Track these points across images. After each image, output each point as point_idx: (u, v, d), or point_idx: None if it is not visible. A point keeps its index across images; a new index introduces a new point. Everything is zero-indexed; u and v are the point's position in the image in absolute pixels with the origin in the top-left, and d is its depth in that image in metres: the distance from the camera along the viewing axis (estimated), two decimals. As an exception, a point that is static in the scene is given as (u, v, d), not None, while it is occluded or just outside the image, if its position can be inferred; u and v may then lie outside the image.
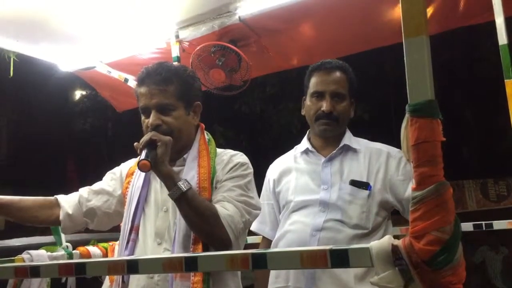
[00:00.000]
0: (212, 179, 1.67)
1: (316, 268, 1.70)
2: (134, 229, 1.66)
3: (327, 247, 0.81)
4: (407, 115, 0.81)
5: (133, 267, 0.95)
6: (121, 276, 1.61)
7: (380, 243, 0.78)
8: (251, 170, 1.76)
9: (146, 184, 1.73)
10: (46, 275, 1.10)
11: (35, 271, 1.07)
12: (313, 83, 2.11)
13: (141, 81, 1.70)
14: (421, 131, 0.78)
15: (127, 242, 1.64)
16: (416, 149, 0.79)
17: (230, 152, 1.81)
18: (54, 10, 2.42)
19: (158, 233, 1.63)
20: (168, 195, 1.54)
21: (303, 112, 2.18)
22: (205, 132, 1.83)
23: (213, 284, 1.58)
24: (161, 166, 1.53)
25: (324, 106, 2.04)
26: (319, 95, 2.08)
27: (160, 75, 1.68)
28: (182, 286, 1.53)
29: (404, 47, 0.80)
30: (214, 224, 1.54)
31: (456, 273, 0.75)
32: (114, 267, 0.98)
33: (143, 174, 1.73)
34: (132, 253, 1.62)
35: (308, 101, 2.12)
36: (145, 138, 1.56)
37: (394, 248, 0.77)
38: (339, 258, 0.80)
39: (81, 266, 1.01)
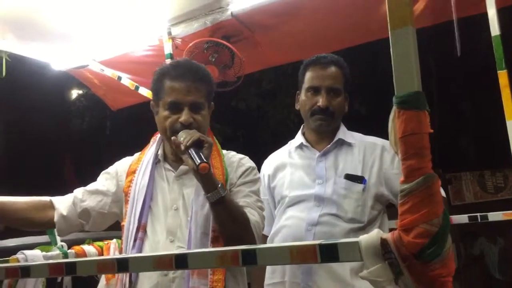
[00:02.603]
0: (226, 181, 1.68)
1: (306, 263, 1.70)
2: (141, 227, 1.65)
3: (317, 242, 0.81)
4: (394, 107, 0.80)
5: (123, 265, 0.95)
6: (128, 276, 1.59)
7: (369, 236, 0.78)
8: (259, 174, 1.81)
9: (151, 183, 1.72)
10: (37, 275, 1.09)
11: (25, 271, 1.06)
12: (309, 78, 2.10)
13: (175, 76, 1.68)
14: (408, 123, 0.77)
15: (134, 241, 1.63)
16: (403, 141, 0.78)
17: (236, 154, 1.83)
18: (46, 9, 2.40)
19: (170, 231, 1.62)
20: (207, 197, 1.52)
21: (297, 107, 2.17)
22: (211, 132, 1.84)
23: (228, 282, 1.60)
24: None
25: (321, 101, 2.03)
26: (314, 90, 2.07)
27: (197, 73, 1.69)
28: (199, 284, 1.53)
29: (390, 39, 0.79)
30: (245, 229, 1.56)
31: (445, 266, 0.74)
32: (104, 266, 0.97)
33: (147, 172, 1.73)
34: (140, 251, 1.61)
35: (303, 96, 2.12)
36: (192, 137, 1.52)
37: (383, 242, 0.77)
38: (329, 253, 0.80)
39: (71, 266, 1.00)
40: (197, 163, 1.44)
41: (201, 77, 1.70)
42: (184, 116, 1.64)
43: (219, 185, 1.52)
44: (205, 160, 1.45)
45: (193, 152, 1.48)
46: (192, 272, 1.53)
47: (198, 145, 1.51)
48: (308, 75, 2.10)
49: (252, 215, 1.61)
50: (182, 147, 1.52)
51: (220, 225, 1.57)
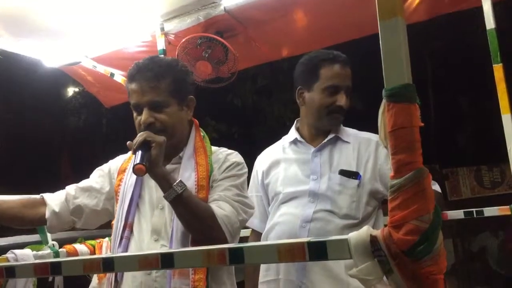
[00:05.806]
0: (209, 178, 1.66)
1: (294, 262, 1.67)
2: (128, 226, 1.64)
3: (305, 240, 0.79)
4: (384, 100, 0.78)
5: (108, 265, 0.93)
6: (113, 275, 1.58)
7: (359, 234, 0.76)
8: (246, 170, 1.77)
9: (139, 181, 1.71)
10: (22, 275, 1.07)
11: (10, 271, 1.04)
12: (328, 75, 2.00)
13: (131, 78, 1.66)
14: (398, 117, 0.75)
15: (121, 239, 1.62)
16: (393, 135, 0.75)
17: (225, 150, 1.80)
18: (37, 5, 2.38)
19: (155, 230, 1.61)
20: (163, 197, 1.51)
21: (301, 104, 2.10)
22: (200, 129, 1.81)
23: (212, 281, 1.58)
24: (155, 168, 1.50)
25: (342, 101, 1.99)
26: (334, 89, 2.00)
27: (152, 71, 1.63)
28: (181, 284, 1.52)
29: (379, 30, 0.77)
30: (210, 224, 1.53)
31: (436, 263, 0.72)
32: (90, 266, 0.95)
33: None
34: (126, 250, 1.60)
35: (317, 93, 2.02)
36: (138, 138, 1.52)
37: (373, 239, 0.75)
38: (317, 251, 0.78)
39: (57, 266, 0.98)
40: (134, 165, 1.44)
41: (157, 74, 1.63)
42: (142, 117, 1.62)
43: (175, 183, 1.50)
44: (139, 162, 1.44)
45: (138, 154, 1.47)
46: (174, 273, 1.52)
47: (145, 145, 1.50)
48: (327, 72, 2.01)
49: (222, 208, 1.57)
50: (132, 151, 1.52)
51: (183, 222, 1.55)
